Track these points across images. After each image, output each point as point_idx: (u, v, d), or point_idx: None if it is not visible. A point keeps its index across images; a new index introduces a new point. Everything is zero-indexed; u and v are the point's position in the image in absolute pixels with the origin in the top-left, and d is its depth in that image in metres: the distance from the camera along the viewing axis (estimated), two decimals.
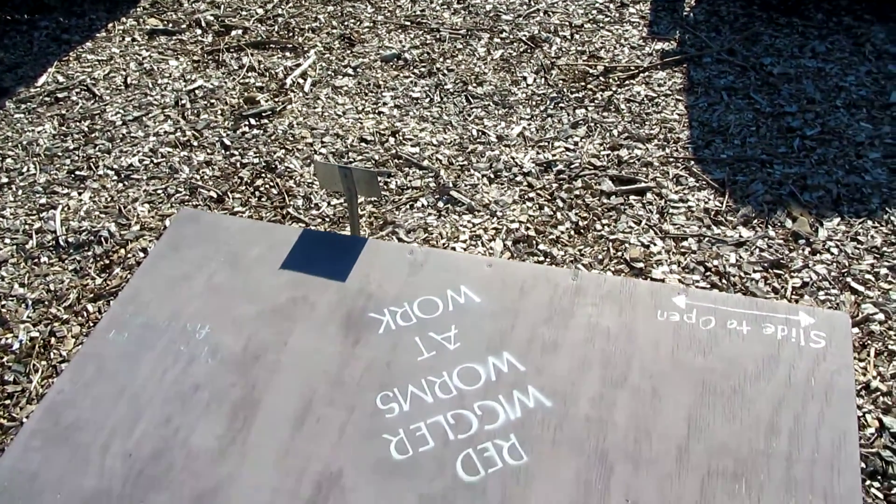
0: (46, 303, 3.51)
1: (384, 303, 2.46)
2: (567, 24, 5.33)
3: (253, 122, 4.59)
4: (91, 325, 3.38)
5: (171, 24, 5.68)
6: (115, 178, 4.23)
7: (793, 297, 3.30)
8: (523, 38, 5.19)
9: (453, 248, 3.60)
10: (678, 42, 5.04)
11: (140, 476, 2.08)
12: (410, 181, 4.06)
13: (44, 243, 3.83)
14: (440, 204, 3.89)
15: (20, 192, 4.17)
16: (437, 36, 5.32)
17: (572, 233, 3.68)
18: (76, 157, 4.39)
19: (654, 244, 3.58)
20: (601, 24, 5.31)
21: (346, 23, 5.56)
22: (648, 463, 2.02)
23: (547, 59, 4.97)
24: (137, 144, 4.46)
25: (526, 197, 3.90)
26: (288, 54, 5.24)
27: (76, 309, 3.47)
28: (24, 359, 3.27)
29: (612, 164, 4.07)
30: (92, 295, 3.52)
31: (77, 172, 4.27)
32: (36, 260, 3.74)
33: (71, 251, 3.77)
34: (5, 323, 3.42)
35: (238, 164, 4.26)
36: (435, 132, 4.41)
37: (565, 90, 4.68)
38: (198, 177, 4.19)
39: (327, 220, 3.85)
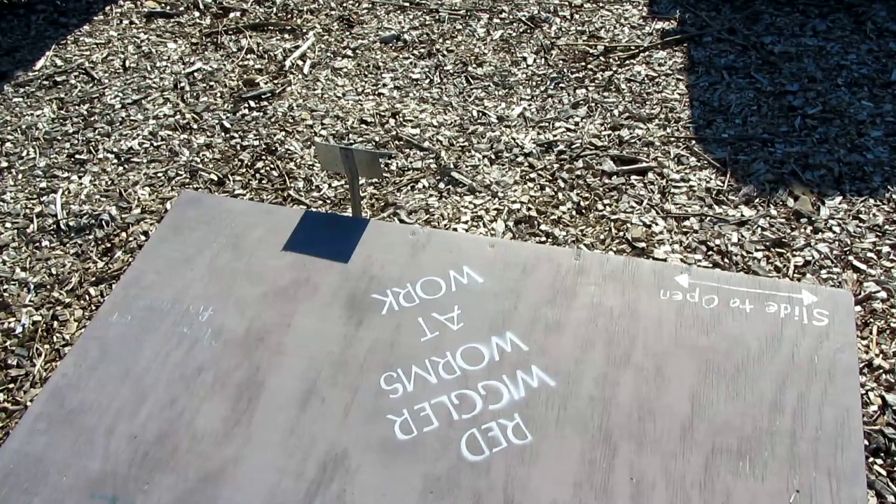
0: (48, 286, 3.51)
1: (387, 284, 2.46)
2: (567, 3, 5.31)
3: (252, 104, 4.58)
4: (93, 308, 3.38)
5: (168, 7, 5.65)
6: (116, 161, 4.22)
7: (795, 275, 3.30)
8: (523, 19, 5.17)
9: (455, 230, 3.60)
10: (678, 21, 5.02)
11: (145, 458, 2.08)
12: (411, 163, 4.05)
13: (45, 227, 3.82)
14: (441, 185, 3.88)
15: (20, 176, 4.16)
16: (437, 16, 5.30)
17: (574, 213, 3.67)
18: (76, 141, 4.38)
19: (656, 224, 3.57)
20: (601, 4, 5.29)
21: (344, 4, 5.54)
22: (652, 442, 2.02)
23: (547, 40, 4.95)
24: (137, 128, 4.45)
25: (527, 177, 3.89)
26: (287, 36, 5.22)
27: (78, 292, 3.47)
28: (27, 342, 3.27)
29: (613, 144, 4.06)
30: (94, 278, 3.52)
31: (77, 156, 4.27)
32: (37, 244, 3.73)
33: (72, 235, 3.76)
34: (8, 307, 3.42)
35: (238, 147, 4.25)
36: (435, 113, 4.40)
37: (566, 70, 4.67)
38: (198, 160, 4.18)
39: (328, 201, 3.85)
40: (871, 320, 3.12)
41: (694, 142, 4.04)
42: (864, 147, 3.90)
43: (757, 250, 3.41)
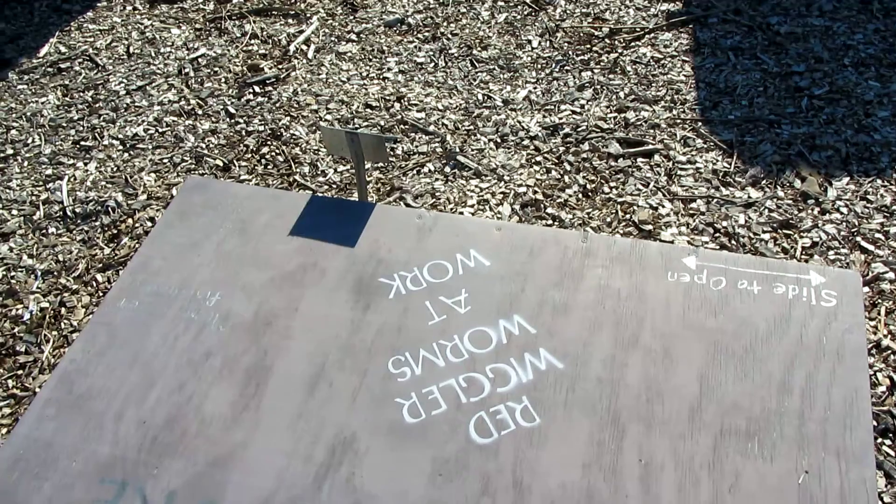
0: (56, 273, 3.52)
1: (394, 268, 2.46)
2: None
3: (257, 89, 4.57)
4: (100, 294, 3.39)
5: None
6: (121, 147, 4.22)
7: (802, 257, 3.29)
8: (527, 1, 5.14)
9: (461, 213, 3.60)
10: (683, 2, 4.99)
11: (154, 443, 2.09)
12: (417, 146, 4.04)
13: (51, 214, 3.83)
14: (447, 169, 3.88)
15: (26, 163, 4.16)
16: (441, 0, 5.27)
17: (580, 196, 3.66)
18: (81, 128, 4.38)
19: (663, 206, 3.56)
20: None
21: None
22: (661, 423, 2.02)
23: (552, 22, 4.93)
24: (142, 114, 4.45)
25: (533, 161, 3.89)
26: (290, 21, 5.21)
27: (85, 279, 3.48)
28: (35, 329, 3.28)
29: (619, 127, 4.05)
30: (101, 265, 3.52)
31: (82, 143, 4.27)
32: (44, 231, 3.74)
33: (78, 221, 3.77)
34: (15, 294, 3.43)
35: (243, 132, 4.25)
36: (440, 97, 4.39)
37: (571, 53, 4.65)
38: (203, 145, 4.17)
39: (334, 186, 3.85)
40: (880, 301, 3.12)
41: (700, 123, 4.02)
42: (871, 127, 3.88)
43: (764, 232, 3.40)
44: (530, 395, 2.11)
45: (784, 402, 2.04)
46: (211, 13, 5.35)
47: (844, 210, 3.47)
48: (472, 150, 3.98)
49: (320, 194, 3.67)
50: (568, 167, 3.82)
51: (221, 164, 4.02)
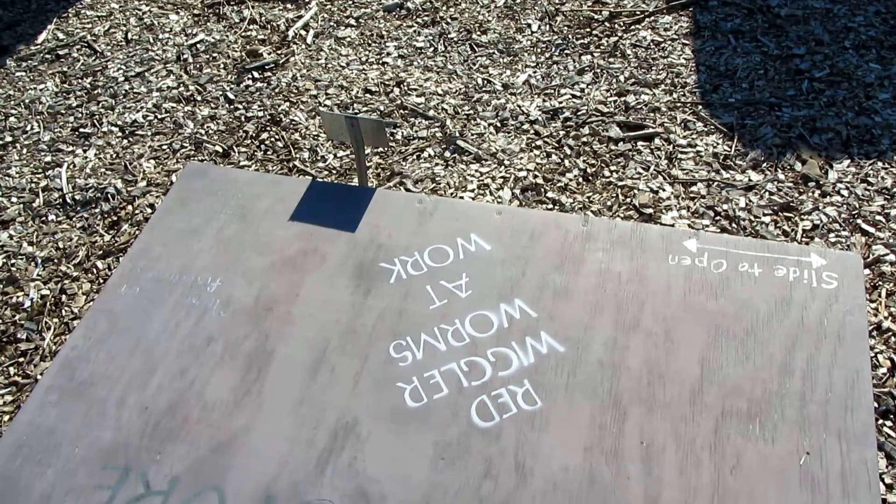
0: (56, 261, 3.52)
1: (394, 252, 2.45)
2: None
3: (256, 75, 4.56)
4: (101, 281, 3.39)
5: None
6: (120, 134, 4.21)
7: (803, 239, 3.29)
8: None
9: (461, 198, 3.59)
10: None
11: (157, 428, 2.09)
12: (417, 131, 4.03)
13: (51, 201, 3.82)
14: (447, 154, 3.87)
15: (25, 150, 4.15)
16: None
17: (580, 180, 3.66)
18: (80, 115, 4.37)
19: (663, 190, 3.56)
20: None
21: None
22: (662, 406, 2.03)
23: (551, 6, 4.91)
24: (141, 100, 4.44)
25: (533, 145, 3.88)
26: (289, 6, 5.19)
27: (86, 266, 3.48)
28: (35, 317, 3.28)
29: (619, 111, 4.04)
30: (101, 252, 3.52)
31: (81, 130, 4.26)
32: (44, 218, 3.74)
33: (78, 209, 3.76)
34: (16, 281, 3.43)
35: (243, 118, 4.24)
36: (440, 82, 4.38)
37: (570, 37, 4.63)
38: (202, 131, 4.17)
39: (334, 171, 3.84)
40: (880, 283, 3.11)
41: (700, 107, 4.01)
42: (871, 110, 3.87)
43: (765, 215, 3.40)
44: (532, 378, 2.11)
45: (785, 383, 2.04)
46: None
47: (845, 193, 3.47)
48: (472, 134, 3.97)
49: (320, 180, 3.66)
50: (568, 151, 3.81)
51: (221, 150, 4.01)
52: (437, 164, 3.81)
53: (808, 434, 1.94)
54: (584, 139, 3.87)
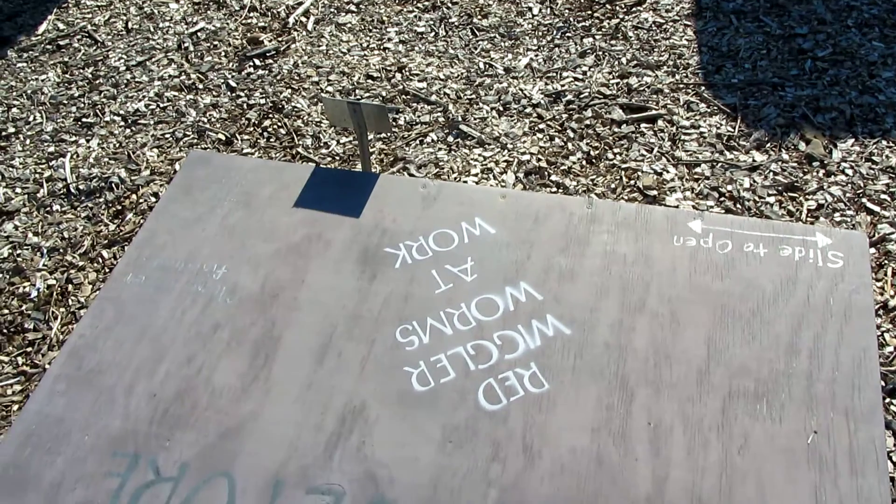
0: (61, 250, 3.52)
1: (399, 237, 2.46)
2: None
3: (257, 62, 4.55)
4: (107, 270, 3.39)
5: None
6: (123, 123, 4.21)
7: (808, 219, 3.28)
8: None
9: (465, 182, 3.59)
10: None
11: (165, 415, 2.10)
12: (419, 116, 4.02)
13: (55, 191, 3.83)
14: (450, 138, 3.86)
15: (28, 141, 4.16)
16: None
17: (584, 163, 3.65)
18: (82, 105, 4.37)
19: (667, 171, 3.55)
20: None
21: None
22: (669, 386, 2.03)
23: None
24: (143, 89, 4.43)
25: (536, 128, 3.87)
26: None
27: (91, 255, 3.48)
28: (42, 306, 3.29)
29: (621, 93, 4.03)
30: (106, 241, 3.53)
31: (84, 119, 4.25)
32: (48, 208, 3.74)
33: (82, 198, 3.77)
34: (22, 272, 3.43)
35: (245, 106, 4.23)
36: (441, 66, 4.37)
37: (572, 19, 4.61)
38: (205, 119, 4.16)
39: (337, 158, 3.84)
40: (886, 262, 3.11)
41: (703, 88, 4.00)
42: (875, 88, 3.85)
43: (769, 195, 3.39)
44: (538, 361, 2.12)
45: (792, 363, 2.04)
46: None
47: (850, 172, 3.46)
48: (475, 119, 3.96)
49: (324, 166, 3.66)
50: (571, 134, 3.81)
51: (224, 137, 4.01)
52: (440, 149, 3.80)
53: (815, 413, 1.95)
54: (587, 122, 3.87)
